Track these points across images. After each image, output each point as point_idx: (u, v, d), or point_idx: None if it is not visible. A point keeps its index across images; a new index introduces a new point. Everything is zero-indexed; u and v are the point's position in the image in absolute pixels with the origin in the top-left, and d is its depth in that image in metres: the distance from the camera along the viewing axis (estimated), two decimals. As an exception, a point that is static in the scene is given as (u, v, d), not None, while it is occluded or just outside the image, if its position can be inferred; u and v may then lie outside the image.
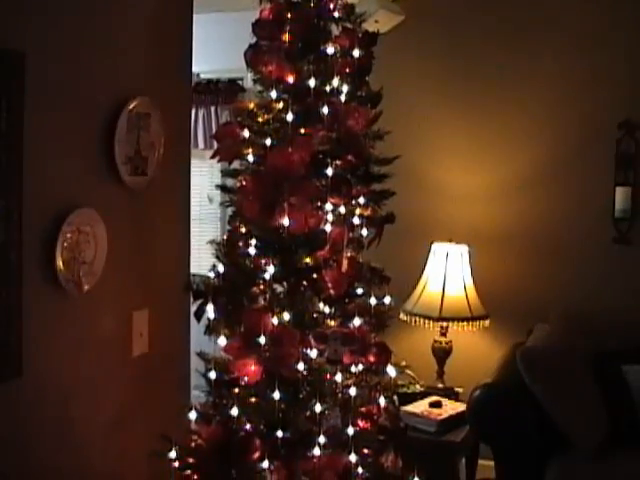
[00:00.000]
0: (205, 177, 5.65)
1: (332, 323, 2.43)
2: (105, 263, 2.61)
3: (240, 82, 5.70)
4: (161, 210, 2.94)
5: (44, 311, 2.41)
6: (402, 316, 4.54)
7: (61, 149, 2.43)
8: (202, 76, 5.83)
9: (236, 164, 2.63)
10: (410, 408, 4.19)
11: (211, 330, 2.47)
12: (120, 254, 2.70)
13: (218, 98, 5.75)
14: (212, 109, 5.78)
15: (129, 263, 2.78)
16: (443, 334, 4.56)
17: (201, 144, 5.72)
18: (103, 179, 2.63)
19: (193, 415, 2.53)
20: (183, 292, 2.62)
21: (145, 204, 2.83)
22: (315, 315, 2.41)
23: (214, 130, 5.60)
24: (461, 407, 4.23)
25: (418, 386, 4.51)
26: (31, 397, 2.36)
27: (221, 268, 2.49)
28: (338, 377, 2.40)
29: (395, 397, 2.60)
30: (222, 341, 2.43)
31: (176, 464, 2.52)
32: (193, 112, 5.65)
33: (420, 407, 4.25)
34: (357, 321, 2.42)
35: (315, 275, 2.38)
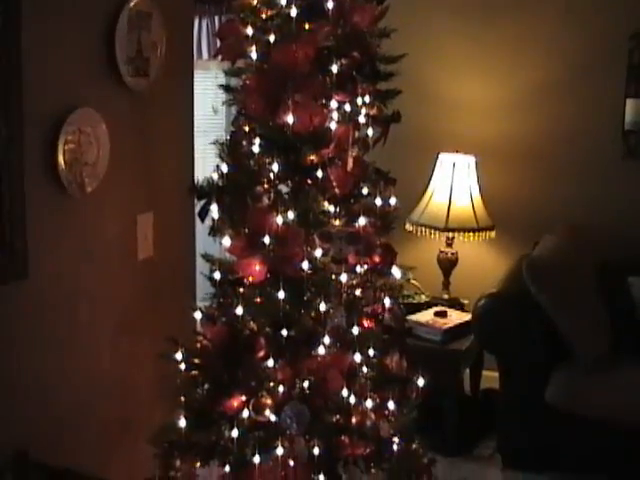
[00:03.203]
0: (209, 88, 5.57)
1: (337, 222, 2.41)
2: (108, 165, 2.59)
3: (245, -9, 5.57)
4: (164, 112, 2.89)
5: (48, 213, 2.39)
6: (408, 226, 4.53)
7: (60, 48, 2.38)
8: (206, -15, 5.71)
9: (240, 64, 2.58)
10: (415, 317, 4.21)
11: (215, 230, 2.45)
12: (123, 156, 2.67)
13: (222, 7, 5.62)
14: (216, 19, 5.66)
15: (132, 165, 2.75)
16: (449, 245, 4.55)
17: (205, 54, 5.61)
18: (104, 80, 2.58)
19: (198, 316, 2.52)
20: (187, 194, 2.59)
21: (147, 106, 2.78)
22: (320, 214, 2.38)
23: (218, 43, 5.49)
24: (466, 317, 4.26)
25: (423, 296, 4.53)
26: (36, 299, 2.36)
27: (224, 168, 2.45)
28: (343, 277, 2.39)
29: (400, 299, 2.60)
30: (226, 241, 2.41)
31: (182, 365, 2.53)
32: (196, 22, 5.54)
33: (425, 316, 4.27)
34: (362, 221, 2.40)
35: (320, 174, 2.34)
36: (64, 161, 2.40)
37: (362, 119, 2.45)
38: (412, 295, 4.50)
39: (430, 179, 4.60)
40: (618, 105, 4.59)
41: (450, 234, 4.50)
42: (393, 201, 2.54)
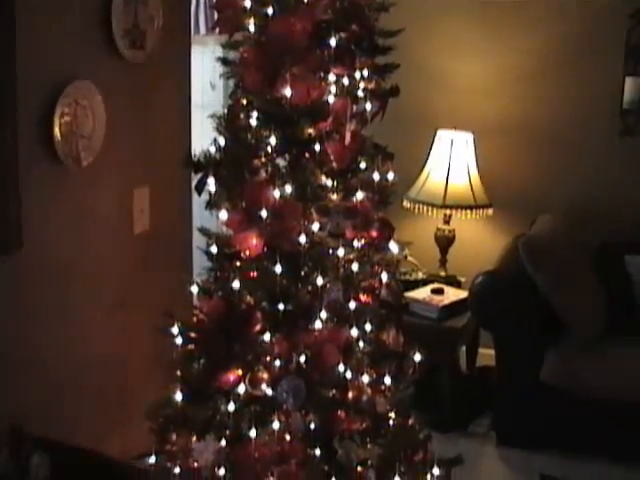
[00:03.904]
0: (207, 64, 5.53)
1: (334, 197, 2.39)
2: (104, 138, 2.58)
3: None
4: (161, 85, 2.88)
5: (43, 185, 2.38)
6: (405, 203, 4.52)
7: (56, 20, 2.36)
8: (204, -42, 5.64)
9: (237, 37, 2.55)
10: (412, 294, 4.21)
11: (212, 204, 2.43)
12: (119, 129, 2.65)
13: (220, -18, 5.56)
14: (213, -6, 5.62)
15: (128, 139, 2.73)
16: (446, 222, 4.54)
17: (202, 30, 5.57)
18: (100, 52, 2.57)
19: (194, 289, 2.51)
20: (184, 168, 2.58)
21: (144, 79, 2.77)
22: (317, 188, 2.36)
23: (215, 15, 5.42)
24: (463, 294, 4.26)
25: (420, 274, 4.53)
26: (31, 270, 2.36)
27: (222, 141, 2.44)
28: (340, 252, 2.37)
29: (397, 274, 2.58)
30: (223, 215, 2.40)
31: (178, 339, 2.52)
32: (194, -3, 5.49)
33: (422, 294, 4.27)
34: (360, 195, 2.38)
35: (317, 147, 2.33)
36: (60, 133, 2.39)
37: (360, 93, 2.42)
38: (409, 272, 4.50)
39: (428, 156, 4.58)
40: (617, 84, 4.57)
41: (447, 211, 4.49)
42: (391, 176, 2.52)
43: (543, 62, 4.65)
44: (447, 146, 4.48)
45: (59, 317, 2.49)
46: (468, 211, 4.45)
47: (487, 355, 4.48)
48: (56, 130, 2.38)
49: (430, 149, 4.58)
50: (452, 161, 4.47)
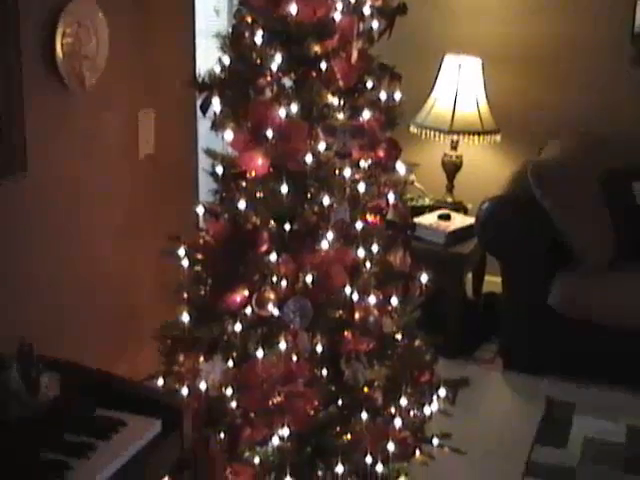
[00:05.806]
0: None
1: (341, 116, 2.37)
2: (108, 59, 2.54)
3: None
4: (164, 6, 2.83)
5: (47, 106, 2.36)
6: (412, 129, 4.47)
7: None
8: None
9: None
10: (419, 220, 4.19)
11: (217, 124, 2.41)
12: (123, 50, 2.62)
13: None
14: None
15: (132, 60, 2.70)
16: (454, 148, 4.50)
17: (206, -47, 5.48)
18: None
19: (200, 211, 2.51)
20: (189, 89, 2.55)
21: (147, -1, 2.73)
22: (324, 107, 2.34)
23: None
24: (470, 220, 4.24)
25: (427, 200, 4.50)
26: (36, 192, 2.35)
27: (226, 60, 2.41)
28: (347, 172, 2.36)
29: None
30: (228, 135, 2.38)
31: (185, 262, 2.52)
32: None
33: (429, 219, 4.26)
34: (367, 114, 2.36)
35: (324, 66, 2.30)
36: (62, 54, 2.36)
37: (367, 10, 2.39)
38: (415, 198, 4.48)
39: (435, 81, 4.52)
40: (628, 7, 4.48)
41: (455, 137, 4.44)
42: (398, 96, 2.50)
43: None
44: (455, 71, 4.42)
45: (66, 239, 2.49)
46: (475, 137, 4.40)
47: (493, 282, 4.49)
48: (58, 50, 2.34)
49: (437, 74, 4.51)
50: (460, 86, 4.40)
